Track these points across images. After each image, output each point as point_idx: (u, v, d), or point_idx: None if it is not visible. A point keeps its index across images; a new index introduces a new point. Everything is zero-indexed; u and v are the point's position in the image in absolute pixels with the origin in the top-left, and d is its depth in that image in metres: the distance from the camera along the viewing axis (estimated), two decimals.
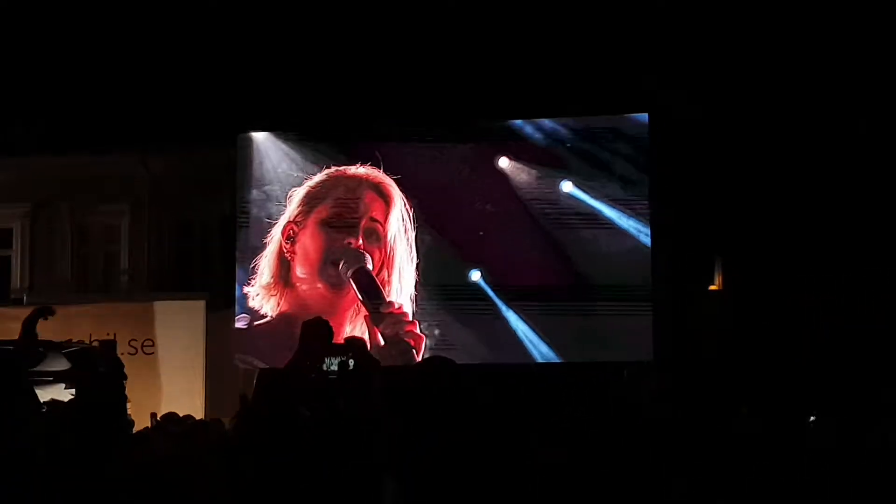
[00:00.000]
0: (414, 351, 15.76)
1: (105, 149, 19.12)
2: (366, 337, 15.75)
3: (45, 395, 8.89)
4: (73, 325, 16.30)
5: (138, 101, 19.02)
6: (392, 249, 16.24)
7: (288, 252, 16.55)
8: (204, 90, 18.47)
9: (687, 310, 16.81)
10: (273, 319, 16.49)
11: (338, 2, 18.08)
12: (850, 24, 16.65)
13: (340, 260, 16.20)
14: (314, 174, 16.81)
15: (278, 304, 16.52)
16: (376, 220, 16.34)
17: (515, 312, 16.04)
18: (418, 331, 15.96)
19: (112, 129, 19.14)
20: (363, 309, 16.04)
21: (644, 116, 16.32)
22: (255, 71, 18.17)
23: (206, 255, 19.39)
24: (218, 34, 18.36)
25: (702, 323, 16.89)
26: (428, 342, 16.04)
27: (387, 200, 16.42)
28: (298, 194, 16.75)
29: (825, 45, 16.76)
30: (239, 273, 16.94)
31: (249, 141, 17.27)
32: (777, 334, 16.11)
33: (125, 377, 3.47)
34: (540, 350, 15.92)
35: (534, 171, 16.30)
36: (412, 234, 16.23)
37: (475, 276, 16.25)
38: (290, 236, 16.59)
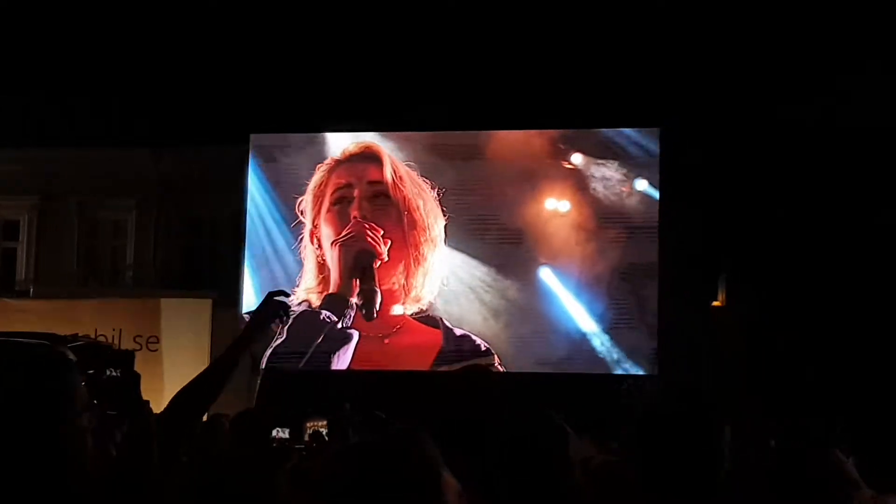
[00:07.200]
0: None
1: (115, 144, 19.15)
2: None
3: None
4: (78, 318, 16.37)
5: (150, 98, 19.04)
6: (402, 195, 16.44)
7: (320, 255, 16.67)
8: (217, 88, 18.48)
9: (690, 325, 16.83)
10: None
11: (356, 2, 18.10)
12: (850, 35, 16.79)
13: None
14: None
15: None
16: (374, 182, 16.54)
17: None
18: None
19: (123, 125, 19.17)
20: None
21: (655, 131, 16.38)
22: (268, 71, 18.18)
23: (214, 254, 19.39)
24: (233, 33, 18.38)
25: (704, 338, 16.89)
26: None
27: (377, 160, 16.59)
28: (307, 200, 16.82)
29: (834, 63, 16.83)
30: (246, 272, 16.95)
31: (261, 140, 17.33)
32: (780, 351, 16.12)
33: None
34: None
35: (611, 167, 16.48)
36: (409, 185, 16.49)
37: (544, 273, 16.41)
38: (316, 242, 16.74)
